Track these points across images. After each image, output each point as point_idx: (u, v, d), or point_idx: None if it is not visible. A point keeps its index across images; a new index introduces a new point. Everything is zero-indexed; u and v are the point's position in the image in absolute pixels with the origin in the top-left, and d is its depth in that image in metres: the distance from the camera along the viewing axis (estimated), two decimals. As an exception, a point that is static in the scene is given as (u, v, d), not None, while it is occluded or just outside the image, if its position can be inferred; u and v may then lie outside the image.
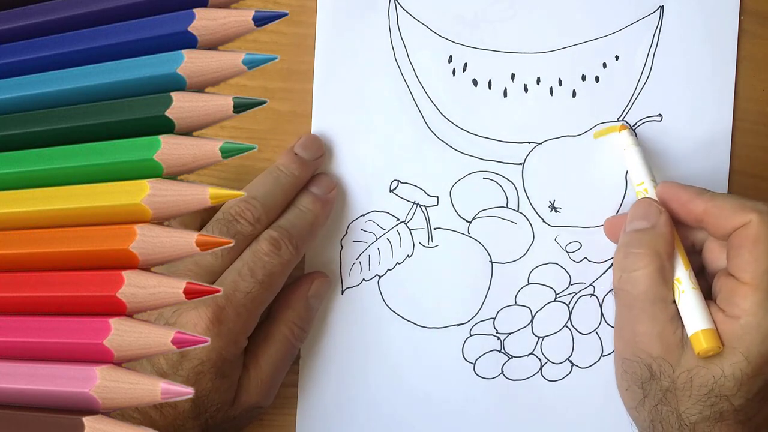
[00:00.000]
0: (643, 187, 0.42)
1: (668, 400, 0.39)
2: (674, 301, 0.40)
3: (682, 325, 0.39)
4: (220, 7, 0.25)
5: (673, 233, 0.40)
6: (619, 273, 0.41)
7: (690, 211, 0.40)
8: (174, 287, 0.23)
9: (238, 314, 0.39)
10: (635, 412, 0.41)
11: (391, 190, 0.44)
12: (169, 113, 0.24)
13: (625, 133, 0.43)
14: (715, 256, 0.41)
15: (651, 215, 0.40)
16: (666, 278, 0.40)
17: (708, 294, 0.41)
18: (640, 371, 0.40)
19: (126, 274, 0.23)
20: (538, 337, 0.45)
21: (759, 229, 0.38)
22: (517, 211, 0.45)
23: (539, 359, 0.45)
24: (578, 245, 0.45)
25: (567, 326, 0.45)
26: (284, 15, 0.24)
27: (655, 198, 0.41)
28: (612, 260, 0.44)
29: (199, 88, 0.25)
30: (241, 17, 0.25)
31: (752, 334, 0.38)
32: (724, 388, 0.38)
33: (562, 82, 0.44)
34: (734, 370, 0.38)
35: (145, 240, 0.23)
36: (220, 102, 0.24)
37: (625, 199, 0.45)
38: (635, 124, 0.45)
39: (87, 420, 0.21)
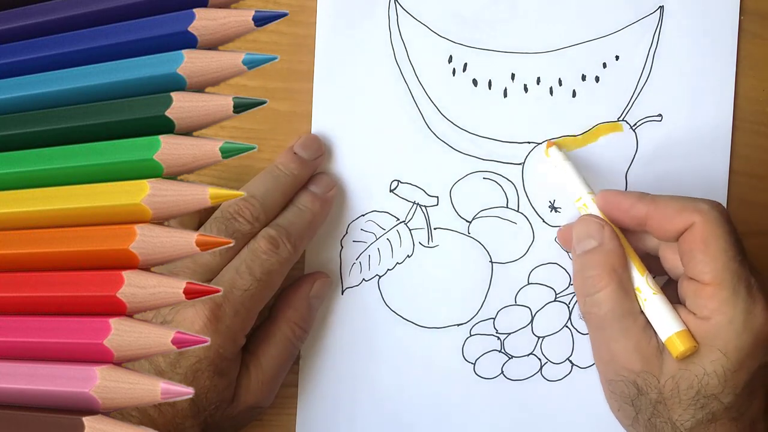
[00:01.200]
0: (582, 202, 0.42)
1: (660, 412, 0.39)
2: (642, 311, 0.40)
3: (655, 333, 0.39)
4: (220, 7, 0.25)
5: (622, 244, 0.40)
6: (582, 298, 0.41)
7: (633, 216, 0.40)
8: (174, 287, 0.23)
9: (236, 312, 0.39)
10: (632, 429, 0.41)
11: (391, 190, 0.44)
12: (169, 113, 0.24)
13: (553, 150, 0.43)
14: (672, 262, 0.41)
15: (595, 232, 0.40)
16: (628, 291, 0.40)
17: (677, 297, 0.41)
18: (627, 389, 0.40)
19: (126, 274, 0.23)
20: (538, 337, 0.45)
21: (704, 230, 0.38)
22: (517, 211, 0.45)
23: (539, 359, 0.45)
24: (578, 245, 0.45)
25: (567, 326, 0.45)
26: (284, 15, 0.24)
27: (597, 211, 0.41)
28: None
29: (199, 88, 0.25)
30: (241, 17, 0.25)
31: (726, 331, 0.38)
32: (710, 386, 0.38)
33: (562, 82, 0.44)
34: (716, 367, 0.38)
35: (145, 240, 0.23)
36: (220, 102, 0.24)
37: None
38: (635, 124, 0.45)
39: (87, 420, 0.21)
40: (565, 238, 0.44)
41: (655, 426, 0.39)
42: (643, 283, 0.40)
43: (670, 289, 0.41)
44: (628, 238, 0.41)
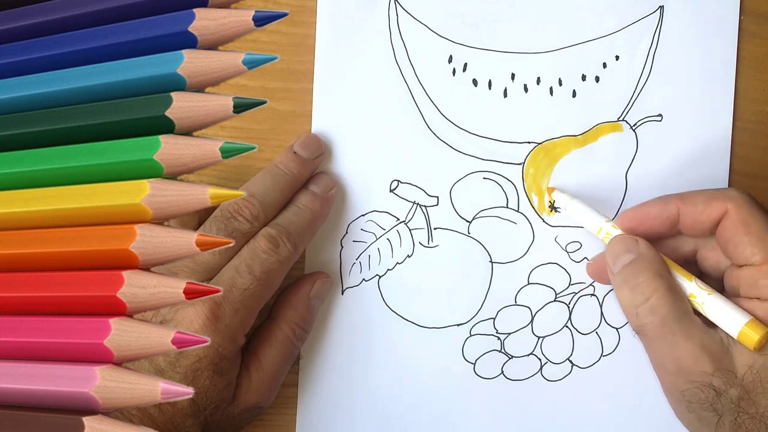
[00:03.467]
0: (603, 232, 0.42)
1: (745, 408, 0.37)
2: (695, 312, 0.39)
3: (716, 330, 0.38)
4: (220, 7, 0.25)
5: (659, 253, 0.40)
6: (633, 311, 0.39)
7: (665, 219, 0.40)
8: (174, 287, 0.23)
9: (236, 311, 0.39)
10: None
11: (391, 190, 0.44)
12: (169, 113, 0.24)
13: (557, 194, 0.44)
14: (712, 261, 0.41)
15: (631, 247, 0.40)
16: (679, 293, 0.39)
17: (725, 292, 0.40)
18: (705, 394, 0.38)
19: (126, 274, 0.23)
20: (538, 337, 0.45)
21: (741, 213, 0.38)
22: (517, 211, 0.45)
23: (539, 359, 0.45)
24: (578, 245, 0.45)
25: (567, 326, 0.45)
26: (284, 15, 0.24)
27: (621, 233, 0.41)
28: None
29: (199, 88, 0.25)
30: (241, 17, 0.25)
31: None
32: None
33: (562, 82, 0.44)
34: None
35: (145, 240, 0.23)
36: (220, 102, 0.24)
37: (625, 199, 0.45)
38: (635, 124, 0.45)
39: (87, 420, 0.21)
40: (597, 268, 0.43)
41: (743, 425, 0.37)
42: (693, 287, 0.39)
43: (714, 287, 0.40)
44: (660, 249, 0.41)
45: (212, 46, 0.25)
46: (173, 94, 0.24)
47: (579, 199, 0.43)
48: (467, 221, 0.45)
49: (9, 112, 0.26)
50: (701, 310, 0.39)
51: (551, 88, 0.44)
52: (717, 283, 0.41)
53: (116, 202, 0.24)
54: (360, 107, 0.44)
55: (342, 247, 0.44)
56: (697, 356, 0.38)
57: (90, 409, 0.22)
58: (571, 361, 0.45)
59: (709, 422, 0.38)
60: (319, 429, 0.45)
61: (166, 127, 0.24)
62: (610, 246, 0.41)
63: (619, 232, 0.41)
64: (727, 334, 0.38)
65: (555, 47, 0.44)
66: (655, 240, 0.41)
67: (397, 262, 0.45)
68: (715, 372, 0.38)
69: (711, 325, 0.39)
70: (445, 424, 0.45)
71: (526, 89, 0.44)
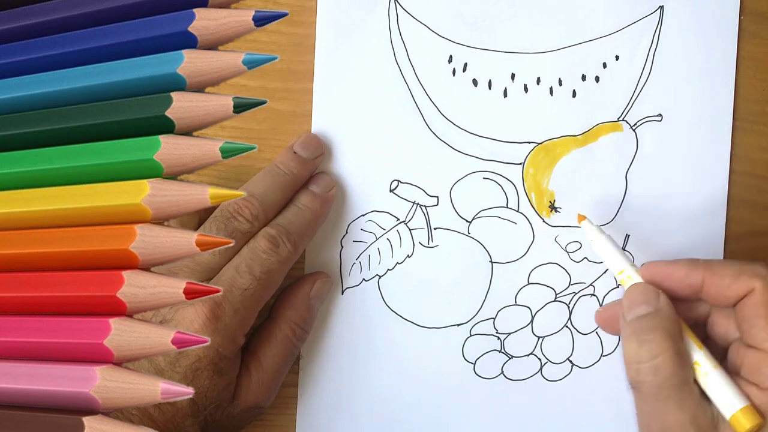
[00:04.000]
0: (625, 274, 0.41)
1: None
2: (694, 382, 0.38)
3: (710, 404, 0.38)
4: (220, 7, 0.25)
5: (676, 313, 0.39)
6: (635, 365, 0.38)
7: (688, 285, 0.39)
8: (174, 287, 0.23)
9: (236, 311, 0.39)
10: None
11: (391, 190, 0.44)
12: (169, 113, 0.24)
13: (586, 224, 0.43)
14: (722, 329, 0.40)
15: (651, 299, 0.39)
16: (684, 359, 0.38)
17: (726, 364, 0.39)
18: None
19: (126, 274, 0.23)
20: (538, 337, 0.45)
21: (765, 296, 0.37)
22: (517, 211, 0.45)
23: (539, 359, 0.45)
24: (578, 245, 0.45)
25: (567, 326, 0.45)
26: (284, 15, 0.24)
27: (642, 281, 0.40)
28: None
29: (199, 88, 0.25)
30: (241, 17, 0.25)
31: None
32: None
33: (562, 82, 0.44)
34: None
35: (145, 240, 0.23)
36: (220, 102, 0.24)
37: (625, 200, 0.45)
38: (635, 124, 0.45)
39: (87, 420, 0.22)
40: (607, 317, 0.43)
41: None
42: (701, 357, 0.38)
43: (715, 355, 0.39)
44: (675, 306, 0.40)
45: (212, 46, 0.25)
46: (173, 94, 0.24)
47: (607, 235, 0.42)
48: (467, 221, 0.45)
49: (9, 112, 0.26)
50: (700, 381, 0.38)
51: (551, 88, 0.44)
52: (720, 350, 0.40)
53: (116, 202, 0.24)
54: (360, 107, 0.44)
55: (342, 247, 0.44)
56: (685, 426, 0.37)
57: (90, 409, 0.22)
58: (571, 361, 0.45)
59: None
60: (319, 429, 0.45)
61: (166, 127, 0.24)
62: (629, 292, 0.40)
63: (640, 279, 0.40)
64: (719, 411, 0.38)
65: (555, 47, 0.44)
66: (673, 299, 0.40)
67: (397, 262, 0.45)
68: None
69: (706, 397, 0.38)
70: (445, 424, 0.45)
71: (526, 89, 0.44)
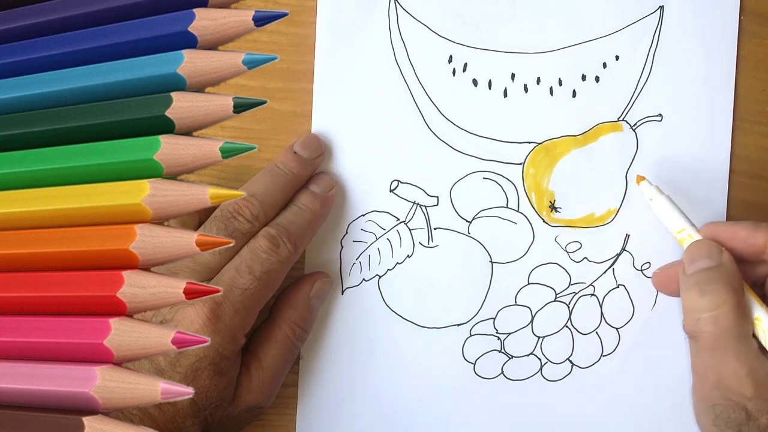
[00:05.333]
0: (686, 233, 0.41)
1: None
2: (753, 336, 0.39)
3: (767, 358, 0.38)
4: (220, 7, 0.25)
5: (739, 270, 0.40)
6: (695, 314, 0.39)
7: (751, 245, 0.40)
8: (174, 287, 0.23)
9: (236, 311, 0.39)
10: None
11: (391, 190, 0.44)
12: (169, 113, 0.24)
13: (645, 184, 0.43)
14: None
15: (714, 254, 0.40)
16: (745, 314, 0.39)
17: None
18: (736, 414, 0.38)
19: (126, 274, 0.23)
20: (538, 337, 0.45)
21: None
22: (517, 211, 0.45)
23: (539, 359, 0.45)
24: (578, 245, 0.45)
25: (567, 326, 0.45)
26: (284, 15, 0.24)
27: (705, 239, 0.41)
28: (610, 261, 0.45)
29: (199, 88, 0.25)
30: (241, 17, 0.25)
31: None
32: None
33: (562, 82, 0.44)
34: None
35: (145, 240, 0.23)
36: (220, 102, 0.24)
37: (625, 200, 0.45)
38: (635, 124, 0.45)
39: (87, 420, 0.21)
40: (664, 277, 0.43)
41: None
42: (762, 312, 0.39)
43: None
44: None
45: (212, 46, 0.25)
46: (173, 94, 0.24)
47: (666, 195, 0.42)
48: (467, 221, 0.45)
49: (9, 112, 0.26)
50: (761, 337, 0.39)
51: (551, 88, 0.44)
52: None
53: (116, 202, 0.24)
54: (360, 107, 0.44)
55: (342, 247, 0.44)
56: (741, 378, 0.38)
57: (90, 409, 0.22)
58: (571, 361, 0.45)
59: None
60: (319, 429, 0.45)
61: (166, 127, 0.24)
62: (691, 247, 0.40)
63: (701, 237, 0.41)
64: None
65: (555, 47, 0.44)
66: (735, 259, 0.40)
67: (397, 262, 0.45)
68: (753, 397, 0.38)
69: (765, 352, 0.39)
70: (445, 423, 0.45)
71: (526, 89, 0.44)
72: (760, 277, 0.41)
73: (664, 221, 0.43)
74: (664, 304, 0.45)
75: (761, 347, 0.39)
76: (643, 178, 0.43)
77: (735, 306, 0.38)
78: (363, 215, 0.44)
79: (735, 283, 0.39)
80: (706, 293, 0.39)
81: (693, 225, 0.41)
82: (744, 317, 0.39)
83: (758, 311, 0.39)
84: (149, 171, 0.24)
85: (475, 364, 0.45)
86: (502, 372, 0.45)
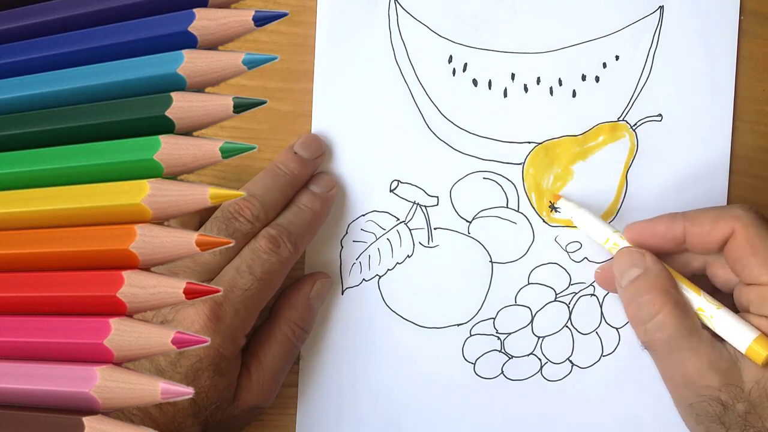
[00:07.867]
0: (611, 242, 0.42)
1: (752, 422, 0.38)
2: (704, 327, 0.39)
3: (724, 344, 0.39)
4: (220, 7, 0.25)
5: (666, 267, 0.40)
6: (641, 327, 0.40)
7: (671, 238, 0.40)
8: (174, 287, 0.23)
9: (236, 311, 0.39)
10: None
11: (391, 190, 0.44)
12: (169, 113, 0.24)
13: (562, 202, 0.44)
14: (723, 276, 0.41)
15: (637, 261, 0.40)
16: (686, 309, 0.39)
17: (735, 308, 0.40)
18: (712, 408, 0.38)
19: (126, 274, 0.23)
20: (538, 337, 0.45)
21: (747, 234, 0.38)
22: (517, 211, 0.45)
23: (539, 359, 0.45)
24: (578, 245, 0.45)
25: (567, 326, 0.45)
26: (284, 15, 0.24)
27: (628, 245, 0.41)
28: (610, 261, 0.45)
29: (199, 88, 0.25)
30: (241, 17, 0.25)
31: None
32: None
33: (562, 82, 0.44)
34: None
35: (145, 240, 0.23)
36: (220, 102, 0.24)
37: (625, 199, 0.45)
38: (635, 124, 0.45)
39: (87, 420, 0.21)
40: (605, 277, 0.44)
41: None
42: (702, 302, 0.39)
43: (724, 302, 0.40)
44: (668, 263, 0.41)
45: (212, 46, 0.25)
46: (173, 94, 0.24)
47: (585, 209, 0.43)
48: (467, 221, 0.45)
49: (9, 112, 0.26)
50: (710, 325, 0.39)
51: (551, 88, 0.44)
52: (728, 298, 0.41)
53: (116, 202, 0.24)
54: (360, 107, 0.44)
55: (342, 247, 0.44)
56: (705, 372, 0.38)
57: (90, 409, 0.22)
58: (571, 361, 0.45)
59: None
60: (319, 429, 0.45)
61: (166, 127, 0.24)
62: (616, 259, 0.41)
63: (626, 243, 0.41)
64: (735, 348, 0.38)
65: (555, 47, 0.44)
66: (664, 255, 0.41)
67: (397, 262, 0.45)
68: (722, 387, 0.38)
69: (719, 339, 0.39)
70: (445, 424, 0.45)
71: (526, 89, 0.44)
72: (699, 268, 0.42)
73: (590, 234, 0.43)
74: (664, 304, 0.45)
75: (714, 335, 0.39)
76: (560, 197, 0.44)
77: (673, 306, 0.39)
78: (363, 215, 0.44)
79: (665, 284, 0.39)
80: (642, 304, 0.39)
81: (617, 231, 0.42)
82: (686, 314, 0.39)
83: (698, 302, 0.39)
84: (149, 171, 0.24)
85: (475, 364, 0.45)
86: (502, 372, 0.45)
